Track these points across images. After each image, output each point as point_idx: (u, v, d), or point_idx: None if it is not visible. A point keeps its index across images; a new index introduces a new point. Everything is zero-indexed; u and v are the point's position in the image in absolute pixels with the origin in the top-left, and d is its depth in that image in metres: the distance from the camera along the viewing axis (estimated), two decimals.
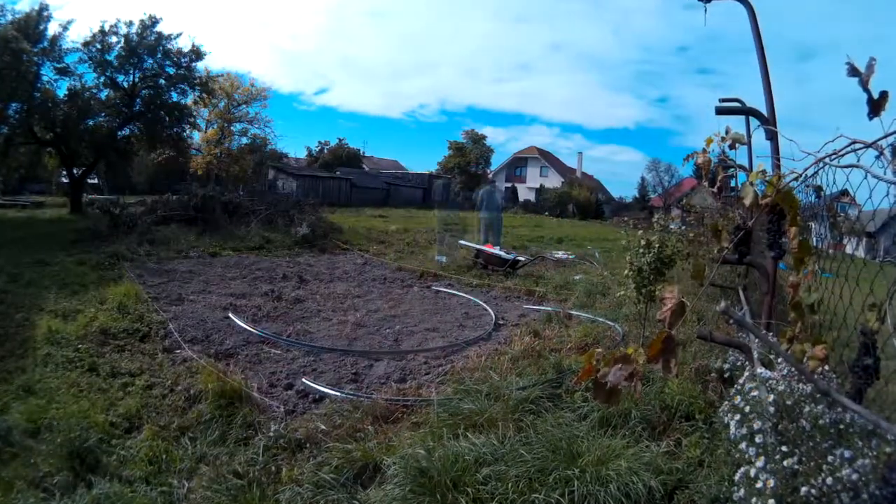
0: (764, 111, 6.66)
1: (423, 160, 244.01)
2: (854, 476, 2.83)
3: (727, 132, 3.73)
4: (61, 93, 30.79)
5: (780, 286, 5.69)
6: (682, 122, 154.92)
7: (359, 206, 50.33)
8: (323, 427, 6.49)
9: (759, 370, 3.62)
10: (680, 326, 2.62)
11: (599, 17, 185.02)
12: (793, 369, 3.23)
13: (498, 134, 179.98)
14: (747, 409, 3.38)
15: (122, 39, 32.17)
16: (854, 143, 2.73)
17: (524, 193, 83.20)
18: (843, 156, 2.85)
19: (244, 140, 59.82)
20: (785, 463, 3.05)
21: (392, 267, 19.04)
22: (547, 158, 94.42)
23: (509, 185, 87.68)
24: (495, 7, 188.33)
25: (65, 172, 35.71)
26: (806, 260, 3.17)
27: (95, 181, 47.64)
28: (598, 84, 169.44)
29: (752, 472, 3.11)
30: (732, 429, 3.41)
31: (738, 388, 3.66)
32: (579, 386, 6.68)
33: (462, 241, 22.73)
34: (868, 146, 2.65)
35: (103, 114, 32.32)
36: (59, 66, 30.56)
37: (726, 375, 6.19)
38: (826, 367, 3.15)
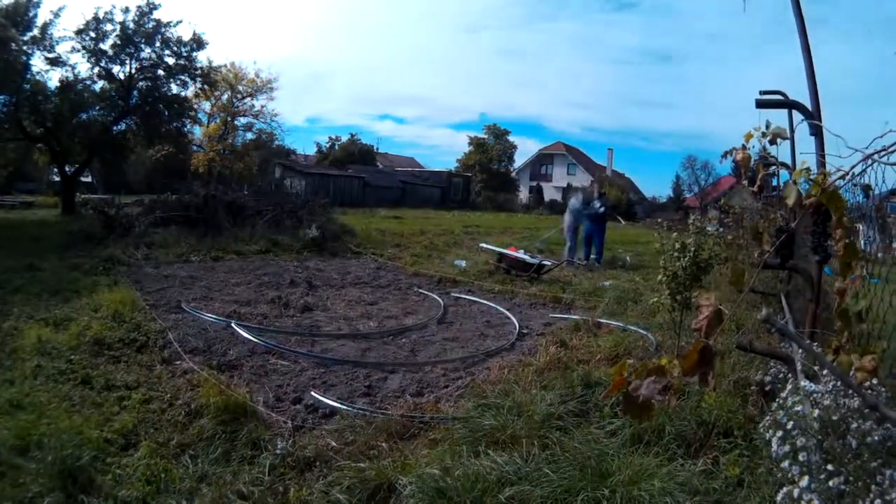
0: (808, 104, 6.66)
1: (441, 157, 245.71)
2: None
3: (767, 126, 3.72)
4: (52, 85, 30.94)
5: (825, 293, 5.68)
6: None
7: (372, 207, 50.41)
8: (334, 444, 6.50)
9: (803, 383, 3.62)
10: (718, 336, 2.63)
11: None
12: (839, 382, 3.23)
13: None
14: (790, 424, 3.38)
15: (118, 27, 32.28)
16: None
17: (550, 193, 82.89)
18: (892, 152, 2.85)
19: (249, 135, 60.10)
20: (831, 483, 3.04)
21: (408, 272, 19.07)
22: (574, 155, 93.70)
23: (534, 183, 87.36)
24: None
25: (56, 170, 35.90)
26: (853, 264, 3.17)
27: (89, 179, 48.07)
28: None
29: (796, 492, 3.11)
30: (774, 446, 3.41)
31: (781, 402, 3.66)
32: (608, 400, 6.68)
33: (483, 245, 22.73)
34: None
35: (97, 107, 32.49)
36: (49, 55, 30.72)
37: (767, 388, 6.16)
38: (875, 380, 3.15)
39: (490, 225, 39.89)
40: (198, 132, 53.65)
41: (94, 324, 10.54)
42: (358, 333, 11.55)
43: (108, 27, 32.23)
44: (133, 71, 33.59)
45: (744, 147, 3.97)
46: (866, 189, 3.52)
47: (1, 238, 21.15)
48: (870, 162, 3.06)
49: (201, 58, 35.89)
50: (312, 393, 8.20)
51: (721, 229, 11.22)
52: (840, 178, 3.20)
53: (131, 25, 32.44)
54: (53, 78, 31.49)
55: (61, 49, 31.11)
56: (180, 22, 33.91)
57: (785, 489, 3.21)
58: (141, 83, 34.08)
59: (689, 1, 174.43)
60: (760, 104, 7.40)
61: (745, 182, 4.18)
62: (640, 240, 30.27)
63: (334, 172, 60.42)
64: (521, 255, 19.22)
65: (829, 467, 3.09)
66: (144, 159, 51.81)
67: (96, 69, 32.55)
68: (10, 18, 27.55)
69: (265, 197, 30.21)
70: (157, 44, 33.53)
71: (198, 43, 34.59)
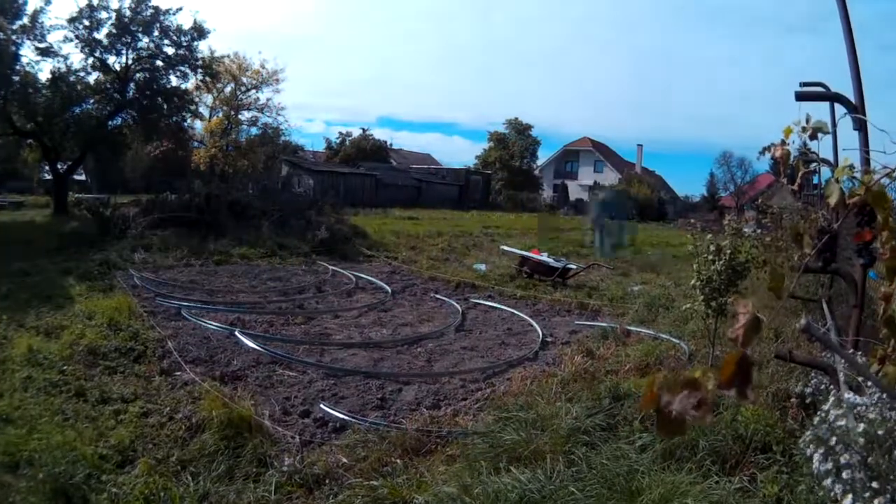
0: (851, 97, 6.65)
1: (459, 153, 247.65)
2: None
3: (807, 120, 3.71)
4: (43, 77, 30.76)
5: (870, 298, 5.65)
6: None
7: (386, 206, 50.25)
8: (344, 460, 6.52)
9: (847, 395, 3.61)
10: (755, 345, 2.63)
11: None
12: (885, 394, 3.23)
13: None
14: (833, 439, 3.38)
15: (114, 15, 31.97)
16: None
17: (576, 192, 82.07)
18: None
19: (254, 130, 59.70)
20: (876, 502, 3.05)
21: (424, 276, 19.10)
22: (602, 151, 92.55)
23: (558, 181, 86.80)
24: None
25: (48, 168, 35.85)
26: None
27: (83, 178, 48.04)
28: None
29: None
30: (815, 462, 3.41)
31: (822, 415, 3.65)
32: (638, 414, 6.68)
33: (504, 247, 22.71)
34: None
35: (91, 100, 32.28)
36: (40, 45, 30.41)
37: (808, 401, 6.14)
38: None
39: (511, 226, 39.76)
40: (199, 127, 53.59)
41: (89, 332, 10.56)
42: (370, 342, 11.59)
43: (103, 15, 31.91)
44: (130, 61, 33.39)
45: (783, 142, 3.96)
46: None
47: None
48: None
49: (202, 47, 35.75)
50: (322, 406, 8.23)
51: (759, 231, 11.19)
52: (887, 175, 3.20)
53: (128, 13, 32.14)
54: (44, 69, 31.08)
55: (53, 38, 30.74)
56: (180, 9, 33.69)
57: None
58: (138, 75, 33.85)
59: None
60: (800, 97, 7.39)
61: (784, 180, 4.18)
62: (671, 241, 30.20)
63: (345, 170, 60.22)
64: (544, 258, 19.18)
65: (874, 485, 3.09)
66: (142, 156, 51.70)
67: (90, 60, 32.28)
68: None
69: (271, 196, 30.30)
70: (156, 32, 33.25)
71: (199, 31, 34.30)
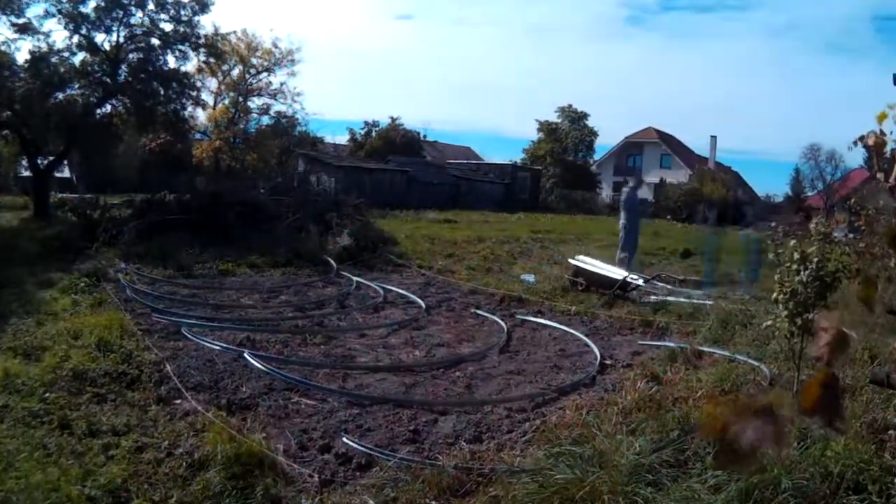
0: None
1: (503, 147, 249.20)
2: None
3: None
4: (21, 57, 30.91)
5: None
6: None
7: (419, 208, 49.86)
8: (371, 502, 6.56)
9: None
10: (847, 367, 2.64)
11: None
12: None
13: None
14: None
15: None
16: None
17: (639, 190, 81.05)
18: None
19: (265, 120, 59.62)
20: None
21: (463, 289, 19.09)
22: (669, 144, 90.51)
23: (619, 178, 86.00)
24: None
25: (26, 164, 35.91)
26: None
27: (67, 175, 48.22)
28: None
29: None
30: None
31: None
32: (712, 448, 6.68)
33: (577, 260, 22.72)
34: None
35: (77, 85, 32.09)
36: (17, 21, 30.40)
37: None
38: None
39: (565, 230, 39.51)
40: (201, 116, 53.40)
41: (74, 354, 10.60)
42: (401, 365, 11.62)
43: None
44: (121, 40, 33.13)
45: (881, 132, 3.91)
46: None
47: None
48: None
49: (205, 23, 35.63)
50: (344, 439, 8.25)
51: (851, 235, 11.10)
52: None
53: None
54: (23, 49, 31.02)
55: (32, 13, 30.46)
56: None
57: None
58: (131, 55, 33.64)
59: None
60: None
61: (881, 175, 4.16)
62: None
63: (371, 166, 59.68)
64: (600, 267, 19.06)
65: None
66: (135, 150, 51.63)
67: (75, 38, 32.03)
68: None
69: (286, 196, 30.21)
70: (151, 6, 32.98)
71: (200, 5, 33.96)
